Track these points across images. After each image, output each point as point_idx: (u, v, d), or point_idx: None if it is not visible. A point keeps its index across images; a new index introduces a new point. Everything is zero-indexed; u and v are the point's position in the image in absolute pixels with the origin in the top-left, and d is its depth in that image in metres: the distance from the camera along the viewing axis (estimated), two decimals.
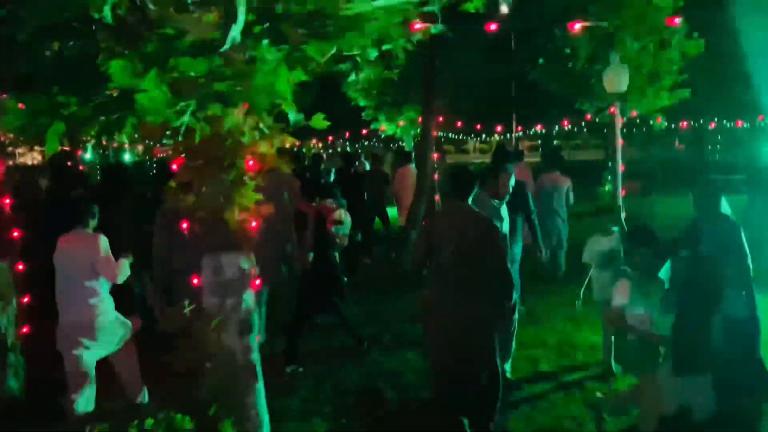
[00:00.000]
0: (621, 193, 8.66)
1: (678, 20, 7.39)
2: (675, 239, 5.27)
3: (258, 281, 4.00)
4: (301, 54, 3.06)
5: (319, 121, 3.74)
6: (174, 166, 3.72)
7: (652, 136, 25.46)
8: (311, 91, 21.98)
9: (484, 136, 31.07)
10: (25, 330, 5.31)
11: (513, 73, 20.69)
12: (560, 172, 10.06)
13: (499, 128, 25.58)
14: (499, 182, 5.28)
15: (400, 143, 22.75)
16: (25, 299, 5.35)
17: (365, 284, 9.45)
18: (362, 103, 19.61)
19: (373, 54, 4.78)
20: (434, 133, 11.02)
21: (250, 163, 3.63)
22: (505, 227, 5.31)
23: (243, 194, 3.64)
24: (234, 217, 3.65)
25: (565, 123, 21.96)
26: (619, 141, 9.15)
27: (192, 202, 3.58)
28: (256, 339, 3.95)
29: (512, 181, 5.43)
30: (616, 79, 9.01)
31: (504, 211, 5.38)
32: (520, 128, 25.38)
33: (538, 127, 25.42)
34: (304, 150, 33.51)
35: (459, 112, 21.91)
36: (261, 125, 3.60)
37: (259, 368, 3.92)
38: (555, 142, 28.32)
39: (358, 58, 4.65)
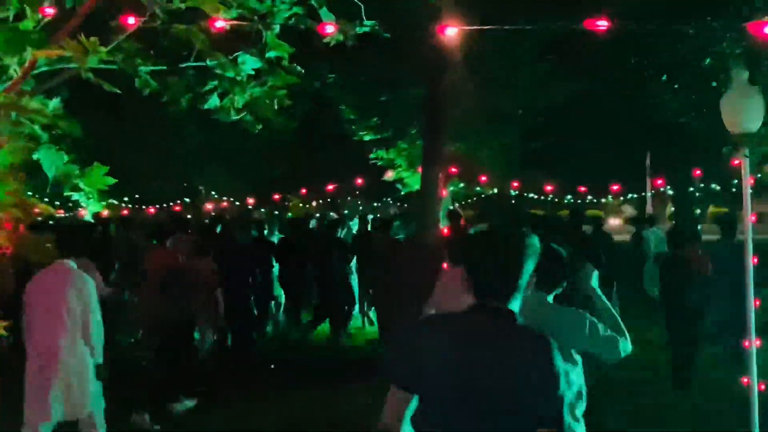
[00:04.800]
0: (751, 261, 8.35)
1: None
2: None
3: None
4: None
5: (99, 178, 3.64)
6: None
7: None
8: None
9: (589, 197, 30.95)
10: None
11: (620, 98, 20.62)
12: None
13: (615, 187, 25.49)
14: None
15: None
16: None
17: None
18: (367, 137, 19.97)
19: (247, 68, 4.77)
20: (442, 191, 10.86)
21: None
22: None
23: None
24: None
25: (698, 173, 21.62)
26: (749, 214, 8.81)
27: None
28: None
29: None
30: (741, 111, 8.71)
31: None
32: (661, 182, 25.19)
33: (658, 183, 25.12)
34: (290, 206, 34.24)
35: (530, 160, 21.89)
36: None
37: None
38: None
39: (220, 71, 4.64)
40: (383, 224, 13.73)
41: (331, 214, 22.75)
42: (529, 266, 3.28)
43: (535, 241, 3.34)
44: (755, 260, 8.57)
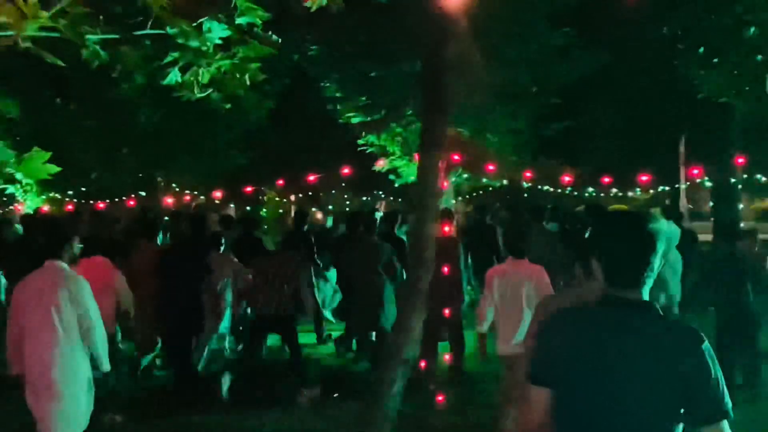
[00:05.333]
0: None
1: None
2: None
3: None
4: None
5: (39, 166, 3.65)
6: None
7: None
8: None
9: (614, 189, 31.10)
10: None
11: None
12: None
13: (644, 177, 25.49)
14: None
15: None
16: None
17: None
18: (354, 120, 19.94)
19: (214, 37, 4.74)
20: (443, 183, 10.88)
21: None
22: None
23: None
24: None
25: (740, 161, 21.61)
26: None
27: None
28: None
29: None
30: None
31: None
32: (697, 171, 25.26)
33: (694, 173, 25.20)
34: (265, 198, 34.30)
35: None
36: None
37: None
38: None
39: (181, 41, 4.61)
40: (387, 220, 13.92)
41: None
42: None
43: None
44: None
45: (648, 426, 3.67)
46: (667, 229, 3.89)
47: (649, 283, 3.76)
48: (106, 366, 7.41)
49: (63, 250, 7.27)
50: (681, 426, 3.67)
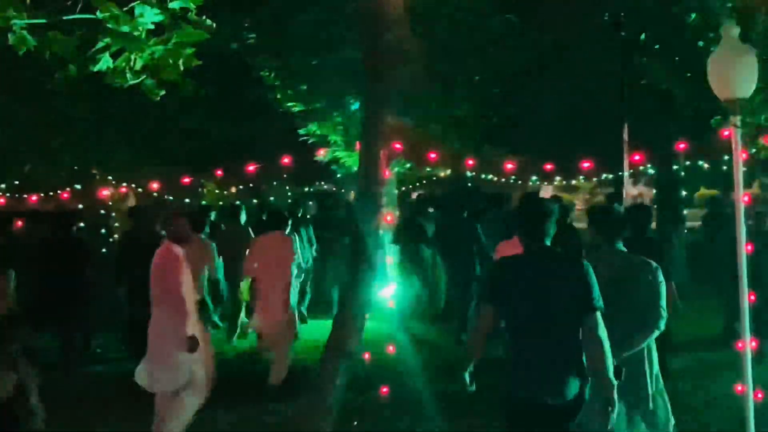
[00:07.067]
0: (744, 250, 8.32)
1: None
2: None
3: None
4: None
5: None
6: None
7: None
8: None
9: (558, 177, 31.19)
10: None
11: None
12: None
13: (587, 164, 25.64)
14: None
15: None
16: None
17: None
18: (295, 109, 19.84)
19: (146, 21, 4.66)
20: (385, 172, 10.85)
21: None
22: None
23: None
24: None
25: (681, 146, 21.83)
26: (742, 194, 8.87)
27: None
28: None
29: None
30: (731, 73, 8.75)
31: None
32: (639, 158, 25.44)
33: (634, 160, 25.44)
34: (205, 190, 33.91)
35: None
36: None
37: None
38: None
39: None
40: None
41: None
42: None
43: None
44: (750, 248, 8.63)
45: (563, 320, 6.22)
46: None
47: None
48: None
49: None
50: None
